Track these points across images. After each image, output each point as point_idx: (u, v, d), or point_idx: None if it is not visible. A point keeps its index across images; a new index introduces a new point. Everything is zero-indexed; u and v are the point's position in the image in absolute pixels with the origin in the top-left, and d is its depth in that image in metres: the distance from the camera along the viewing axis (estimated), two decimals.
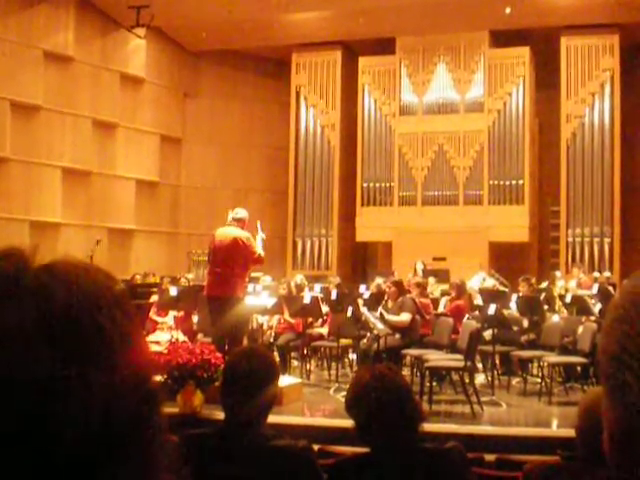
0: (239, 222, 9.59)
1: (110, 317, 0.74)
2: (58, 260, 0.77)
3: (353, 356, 12.20)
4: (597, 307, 11.99)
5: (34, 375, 0.68)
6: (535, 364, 11.39)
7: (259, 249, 9.46)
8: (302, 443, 3.31)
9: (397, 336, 10.72)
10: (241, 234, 9.39)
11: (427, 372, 9.64)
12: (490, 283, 14.27)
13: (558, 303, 12.68)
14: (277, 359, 11.46)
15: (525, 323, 11.65)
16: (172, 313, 12.61)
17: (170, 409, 7.86)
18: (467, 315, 11.51)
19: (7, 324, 0.69)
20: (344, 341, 11.75)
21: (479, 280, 14.60)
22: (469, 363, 9.34)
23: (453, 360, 9.67)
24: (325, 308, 12.45)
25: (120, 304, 0.76)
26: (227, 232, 9.53)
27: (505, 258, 19.70)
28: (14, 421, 0.68)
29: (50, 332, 0.70)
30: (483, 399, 9.42)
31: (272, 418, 3.46)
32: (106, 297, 0.75)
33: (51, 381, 0.68)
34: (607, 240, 19.22)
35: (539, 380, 10.49)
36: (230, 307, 9.16)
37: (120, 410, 0.72)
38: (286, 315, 12.23)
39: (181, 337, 11.17)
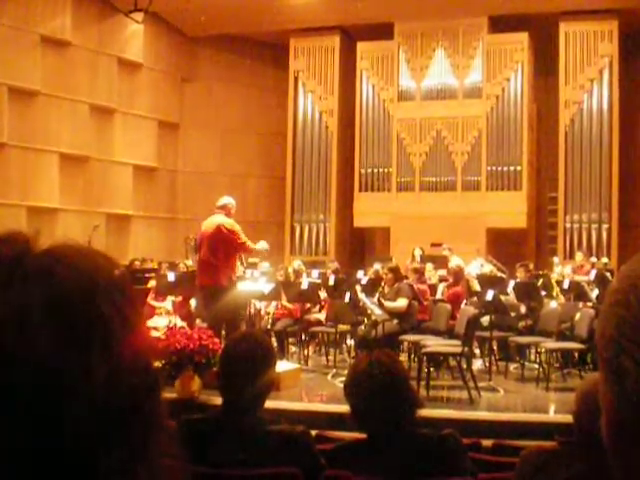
0: (223, 209, 9.59)
1: (111, 301, 0.74)
2: (59, 244, 0.77)
3: (351, 342, 12.21)
4: (594, 293, 12.01)
5: (36, 359, 0.68)
6: (532, 350, 11.41)
7: (244, 237, 9.43)
8: (300, 428, 3.32)
9: (395, 322, 10.73)
10: (224, 221, 9.39)
11: (425, 358, 9.65)
12: (488, 269, 14.29)
13: (556, 289, 12.70)
14: (275, 345, 11.48)
15: (523, 309, 11.67)
16: (170, 298, 12.62)
17: (168, 394, 7.87)
18: (465, 301, 11.52)
19: (10, 307, 0.69)
20: (342, 327, 11.76)
21: (477, 266, 14.61)
22: (466, 349, 9.35)
23: (451, 346, 9.68)
24: (323, 294, 12.46)
25: (121, 288, 0.77)
26: (211, 221, 9.55)
27: (503, 244, 19.71)
28: (14, 405, 0.68)
29: (52, 316, 0.70)
30: (480, 385, 9.44)
31: (270, 403, 3.47)
32: (107, 281, 0.76)
33: (52, 365, 0.69)
34: (605, 226, 19.23)
35: (536, 366, 10.52)
36: (216, 296, 9.18)
37: (120, 394, 0.72)
38: (284, 301, 12.24)
39: (179, 322, 11.18)
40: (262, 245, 10.05)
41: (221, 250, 9.30)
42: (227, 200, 9.70)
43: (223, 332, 9.16)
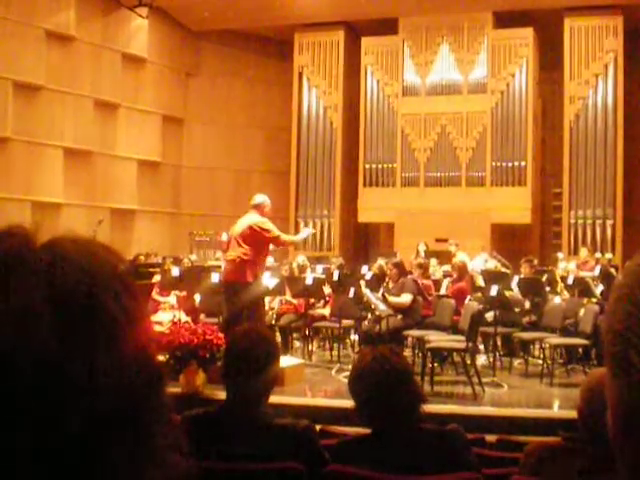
0: (257, 208, 9.48)
1: (114, 296, 0.74)
2: (61, 237, 0.77)
3: (355, 337, 12.21)
4: (599, 289, 12.00)
5: (38, 355, 0.68)
6: (537, 345, 11.42)
7: (278, 232, 9.38)
8: (304, 422, 3.32)
9: (399, 317, 10.73)
10: (256, 220, 9.30)
11: (429, 353, 9.66)
12: (492, 264, 14.28)
13: (560, 285, 12.69)
14: (279, 340, 11.48)
15: (527, 305, 11.66)
16: (174, 293, 12.62)
17: (172, 389, 7.88)
18: (469, 296, 11.51)
19: (13, 303, 0.69)
20: (346, 322, 11.77)
21: (481, 261, 14.60)
22: (471, 344, 9.36)
23: (455, 341, 9.69)
24: (327, 289, 12.46)
25: (124, 282, 0.76)
26: (243, 220, 9.47)
27: (507, 239, 19.71)
28: (17, 402, 0.67)
29: (55, 312, 0.69)
30: (484, 380, 9.44)
31: (274, 398, 3.47)
32: (109, 274, 0.75)
33: (55, 361, 0.68)
34: (609, 222, 19.21)
35: (540, 361, 10.52)
36: (240, 292, 9.15)
37: (125, 390, 0.72)
38: (288, 296, 12.25)
39: (183, 317, 11.19)
40: (306, 232, 10.18)
41: (250, 247, 9.22)
42: (261, 199, 9.59)
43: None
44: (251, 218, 9.38)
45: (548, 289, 12.16)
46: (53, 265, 0.72)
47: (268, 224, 9.36)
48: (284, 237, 9.52)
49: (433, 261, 14.85)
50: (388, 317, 10.49)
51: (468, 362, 9.49)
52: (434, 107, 20.31)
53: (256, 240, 9.24)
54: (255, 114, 22.60)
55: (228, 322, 9.16)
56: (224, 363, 3.51)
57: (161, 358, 7.92)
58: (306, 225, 21.36)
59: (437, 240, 18.50)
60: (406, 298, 10.80)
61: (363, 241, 22.38)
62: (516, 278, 12.44)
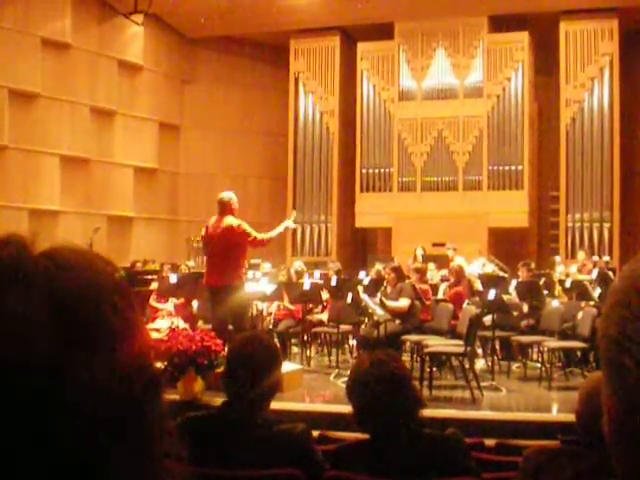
0: (227, 207, 9.36)
1: (111, 303, 0.74)
2: (58, 246, 0.77)
3: (353, 342, 12.21)
4: (597, 292, 12.00)
5: (39, 362, 0.68)
6: (535, 349, 11.41)
7: (254, 232, 9.29)
8: (300, 426, 3.32)
9: (397, 322, 10.72)
10: (232, 222, 9.22)
11: (427, 357, 9.66)
12: (490, 268, 14.28)
13: (558, 288, 12.69)
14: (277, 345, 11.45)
15: (525, 308, 11.66)
16: (172, 300, 12.61)
17: (171, 396, 7.87)
18: (467, 300, 11.51)
19: (12, 311, 0.69)
20: (344, 327, 11.75)
21: (479, 265, 14.60)
22: (469, 348, 9.35)
23: (453, 345, 9.68)
24: (325, 294, 12.45)
25: (120, 290, 0.77)
26: (218, 221, 9.32)
27: (505, 243, 19.72)
28: (18, 410, 0.68)
29: (54, 319, 0.70)
30: (483, 384, 9.43)
31: (273, 404, 3.47)
32: (107, 283, 0.76)
33: (54, 368, 0.69)
34: (607, 225, 19.22)
35: (539, 365, 10.51)
36: (228, 296, 9.11)
37: (122, 396, 0.72)
38: (286, 301, 12.24)
39: (181, 324, 11.17)
40: (285, 224, 10.06)
41: (233, 250, 9.16)
42: (229, 195, 9.44)
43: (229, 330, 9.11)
44: (227, 220, 9.28)
45: (546, 292, 12.16)
46: (53, 274, 0.73)
47: (245, 226, 9.27)
48: (261, 236, 9.38)
49: (431, 265, 14.84)
50: (386, 322, 10.48)
51: (466, 366, 9.49)
52: (430, 112, 20.33)
53: (237, 242, 9.16)
54: (251, 120, 22.61)
55: (220, 326, 9.15)
56: (225, 369, 3.51)
57: (159, 365, 7.91)
58: (303, 231, 21.37)
59: (434, 244, 18.49)
60: (404, 303, 10.80)
61: (360, 246, 22.38)
62: (514, 282, 12.44)
